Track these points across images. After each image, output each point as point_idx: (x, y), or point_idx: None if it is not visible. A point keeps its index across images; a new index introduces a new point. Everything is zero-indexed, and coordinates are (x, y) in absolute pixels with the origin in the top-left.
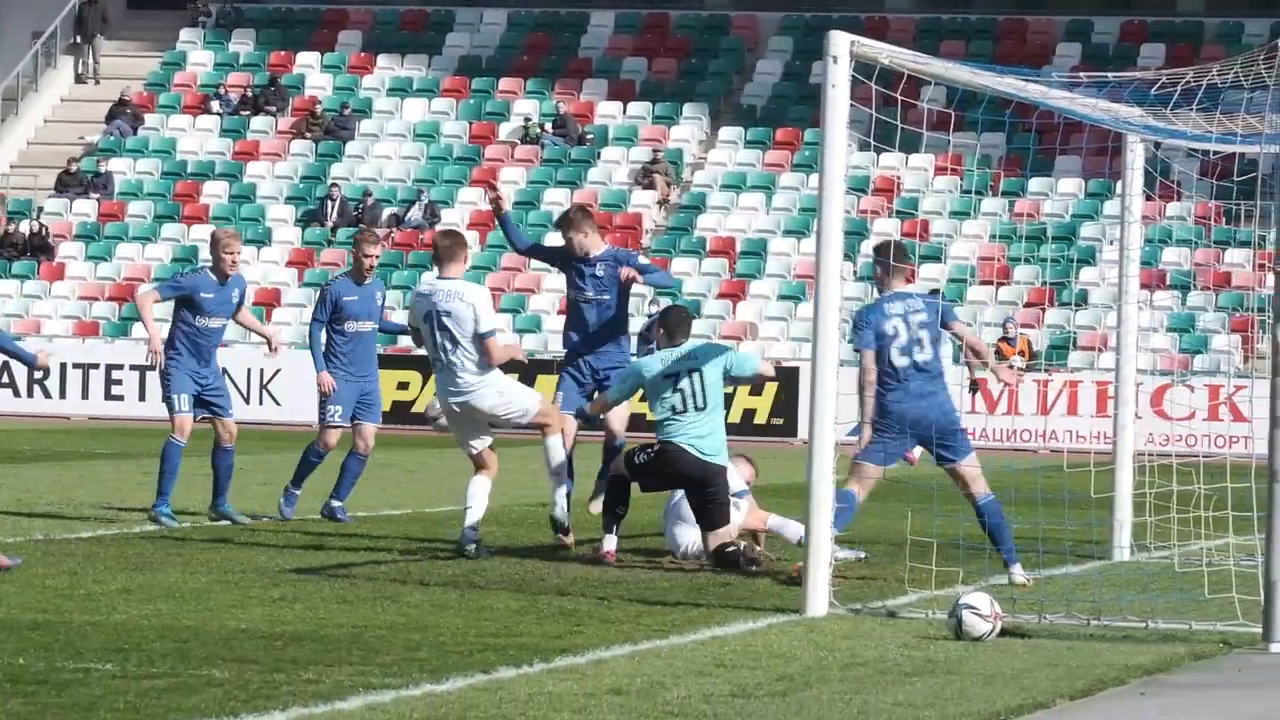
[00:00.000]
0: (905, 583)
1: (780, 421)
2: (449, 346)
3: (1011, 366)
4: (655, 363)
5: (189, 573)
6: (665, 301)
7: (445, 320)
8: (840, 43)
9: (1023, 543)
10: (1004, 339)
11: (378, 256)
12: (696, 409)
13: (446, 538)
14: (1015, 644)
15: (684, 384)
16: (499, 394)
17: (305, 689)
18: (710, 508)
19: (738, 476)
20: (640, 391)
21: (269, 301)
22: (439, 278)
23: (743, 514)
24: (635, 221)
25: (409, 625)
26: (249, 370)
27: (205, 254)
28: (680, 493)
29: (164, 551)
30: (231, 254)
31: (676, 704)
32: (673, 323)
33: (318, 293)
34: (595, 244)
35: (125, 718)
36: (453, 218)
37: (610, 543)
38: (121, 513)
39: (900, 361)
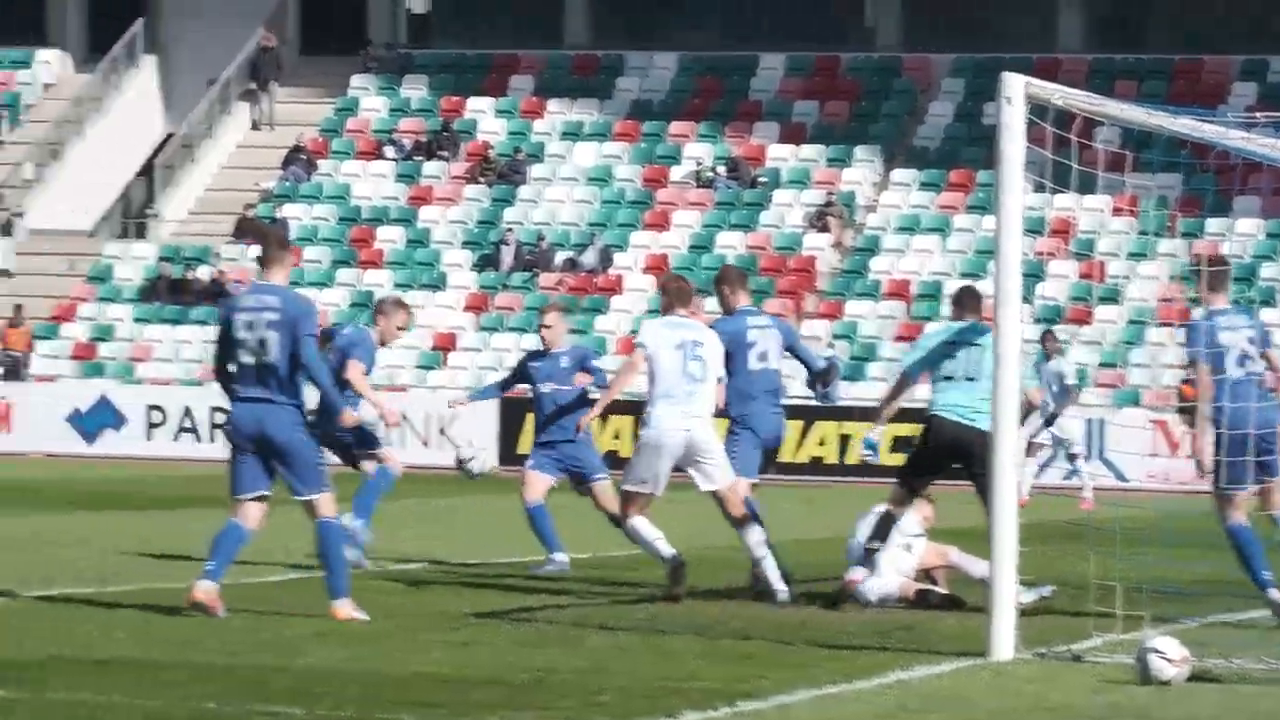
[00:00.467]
0: (1091, 627)
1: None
2: (696, 377)
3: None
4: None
5: (374, 617)
6: (840, 346)
7: (699, 351)
8: (1014, 84)
9: (1212, 586)
10: (1186, 381)
11: (548, 327)
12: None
13: (628, 581)
14: (1204, 689)
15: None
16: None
17: None
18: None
19: (914, 518)
20: None
21: (445, 346)
22: (679, 317)
23: (915, 556)
24: (809, 265)
25: (592, 669)
26: (427, 414)
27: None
28: (861, 537)
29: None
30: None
31: None
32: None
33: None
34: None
35: None
36: (626, 261)
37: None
38: (309, 557)
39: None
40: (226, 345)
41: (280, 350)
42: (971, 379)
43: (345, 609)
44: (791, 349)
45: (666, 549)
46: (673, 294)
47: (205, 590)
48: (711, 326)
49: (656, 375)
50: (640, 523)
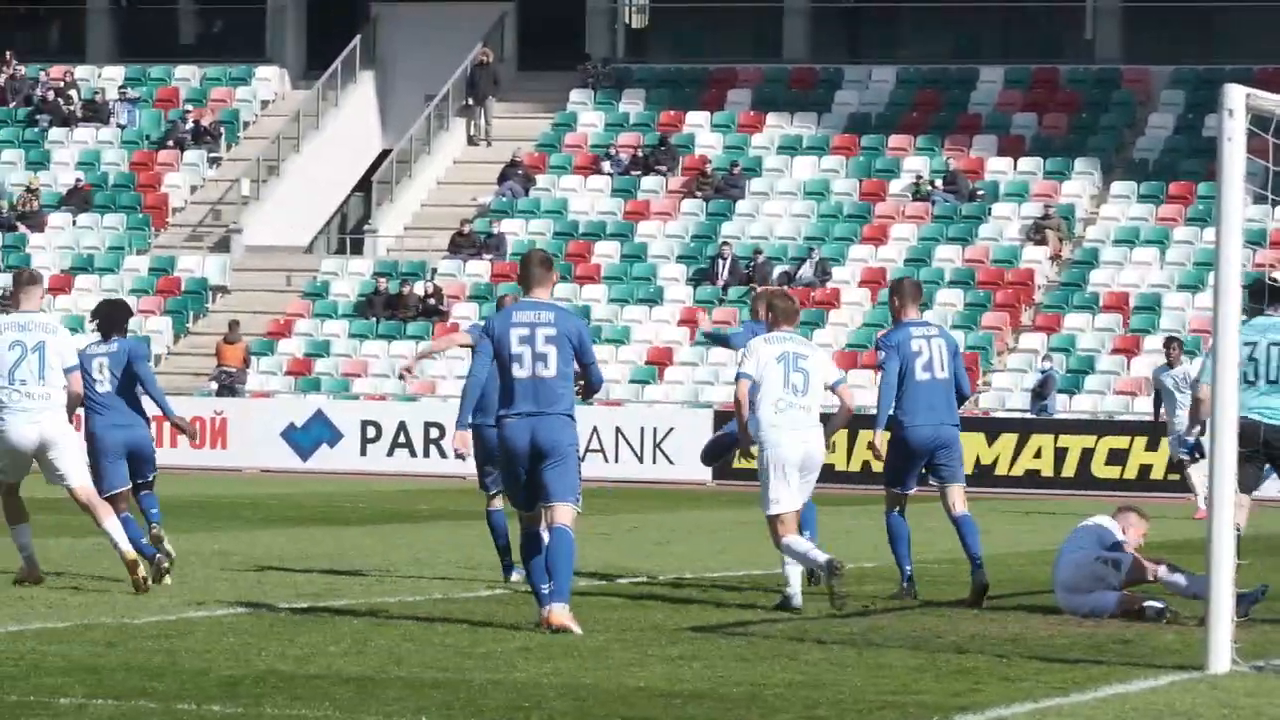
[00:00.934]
0: None
1: (1176, 477)
2: (799, 389)
3: None
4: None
5: (587, 631)
6: (1057, 358)
7: (803, 364)
8: (1235, 96)
9: None
10: None
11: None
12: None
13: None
14: None
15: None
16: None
17: None
18: None
19: (1117, 530)
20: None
21: (660, 361)
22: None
23: (1123, 572)
24: (1027, 278)
25: (807, 683)
26: (641, 429)
27: (600, 313)
28: (1067, 557)
29: None
30: None
31: None
32: None
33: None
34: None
35: None
36: (843, 275)
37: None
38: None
39: None
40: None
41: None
42: (1274, 381)
43: (562, 615)
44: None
45: (821, 556)
46: (779, 312)
47: (559, 612)
48: (880, 339)
49: (764, 393)
50: (792, 540)
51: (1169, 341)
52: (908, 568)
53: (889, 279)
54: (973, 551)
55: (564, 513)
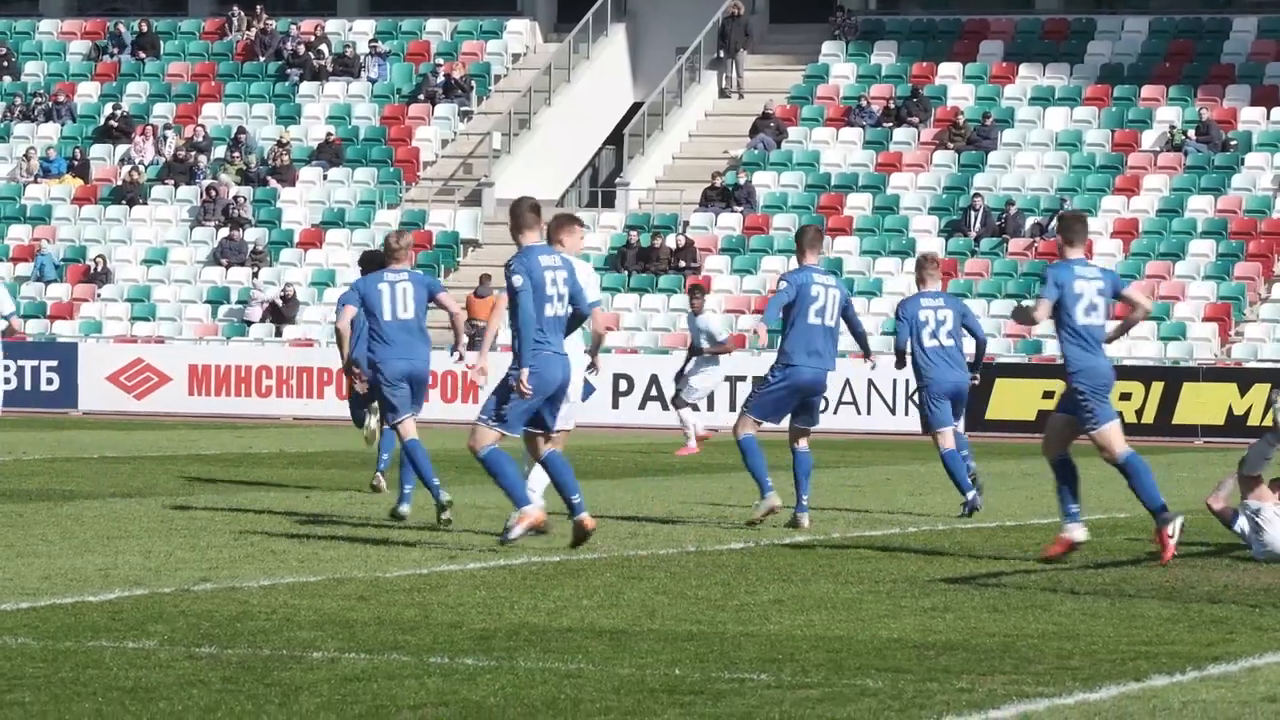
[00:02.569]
0: None
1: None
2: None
3: None
4: None
5: (840, 583)
6: None
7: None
8: None
9: None
10: None
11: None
12: None
13: (1096, 545)
14: None
15: None
16: None
17: (958, 698)
18: None
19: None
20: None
21: None
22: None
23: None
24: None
25: (1061, 634)
26: (894, 380)
27: (852, 266)
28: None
29: (814, 562)
30: None
31: None
32: None
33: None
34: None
35: None
36: (1096, 226)
37: None
38: (770, 527)
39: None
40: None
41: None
42: None
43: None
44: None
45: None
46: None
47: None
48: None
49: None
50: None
51: (692, 290)
52: (768, 482)
53: (1139, 231)
54: (805, 489)
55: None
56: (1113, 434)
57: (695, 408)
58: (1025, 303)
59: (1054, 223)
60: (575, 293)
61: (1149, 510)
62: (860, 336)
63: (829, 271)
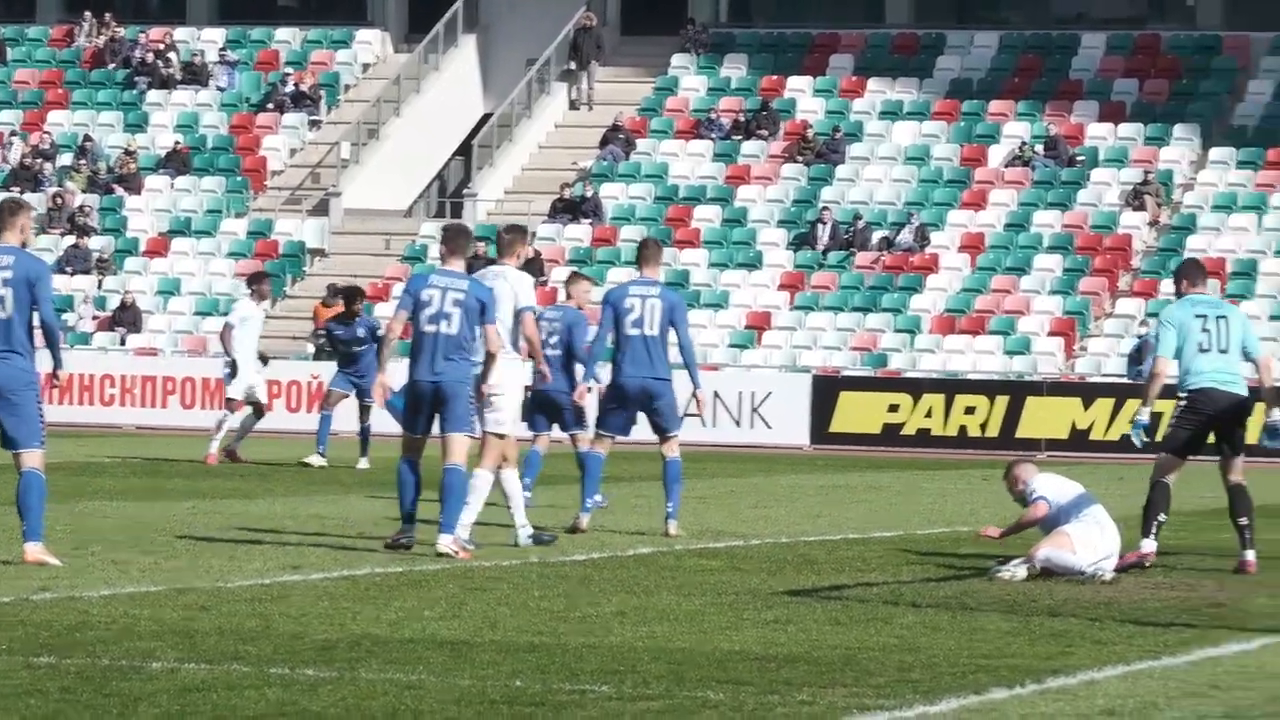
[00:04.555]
0: None
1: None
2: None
3: None
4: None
5: (682, 595)
6: (1154, 324)
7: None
8: None
9: None
10: None
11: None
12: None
13: (938, 559)
14: None
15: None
16: None
17: (799, 711)
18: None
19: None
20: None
21: (759, 325)
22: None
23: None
24: (1125, 243)
25: (902, 646)
26: (740, 393)
27: (699, 278)
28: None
29: (657, 574)
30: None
31: None
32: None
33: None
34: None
35: None
36: (942, 240)
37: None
38: (616, 535)
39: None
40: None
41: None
42: (1223, 350)
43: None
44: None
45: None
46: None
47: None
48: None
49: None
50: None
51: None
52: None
53: (985, 245)
54: (671, 497)
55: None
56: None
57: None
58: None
59: (903, 235)
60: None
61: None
62: (684, 350)
63: (654, 283)
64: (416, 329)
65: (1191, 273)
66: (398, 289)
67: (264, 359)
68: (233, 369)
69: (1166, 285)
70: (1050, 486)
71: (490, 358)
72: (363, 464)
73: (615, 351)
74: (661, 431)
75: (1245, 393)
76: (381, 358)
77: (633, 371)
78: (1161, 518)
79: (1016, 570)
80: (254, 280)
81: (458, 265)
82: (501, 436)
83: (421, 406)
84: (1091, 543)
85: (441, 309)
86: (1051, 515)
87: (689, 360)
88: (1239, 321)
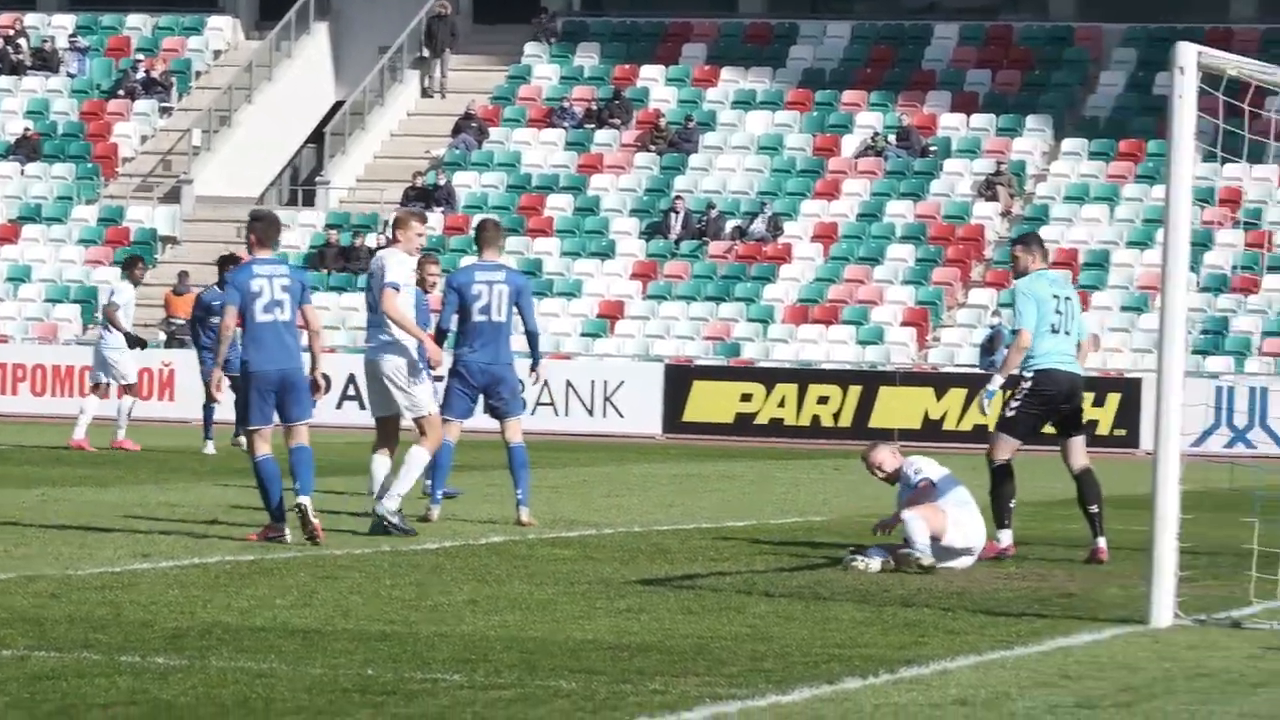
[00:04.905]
0: (1251, 594)
1: (1123, 432)
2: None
3: None
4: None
5: (535, 584)
6: (1006, 314)
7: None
8: (1187, 54)
9: None
10: None
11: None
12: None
13: (791, 548)
14: None
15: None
16: None
17: (652, 700)
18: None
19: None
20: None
21: (612, 315)
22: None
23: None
24: (977, 234)
25: (754, 636)
26: (593, 382)
27: (552, 267)
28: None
29: (509, 563)
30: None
31: (1022, 715)
32: None
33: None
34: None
35: None
36: (795, 230)
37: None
38: (468, 524)
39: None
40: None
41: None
42: (1068, 332)
43: None
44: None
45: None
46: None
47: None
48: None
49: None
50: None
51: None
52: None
53: (839, 235)
54: (519, 483)
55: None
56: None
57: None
58: None
59: (756, 224)
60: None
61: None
62: (530, 335)
63: (499, 266)
64: (251, 319)
65: (1036, 247)
66: None
67: (139, 342)
68: (132, 342)
69: None
70: (930, 469)
71: (315, 337)
72: (209, 448)
73: (459, 335)
74: (503, 416)
75: (1082, 373)
76: (220, 352)
77: (479, 356)
78: (1013, 504)
79: (870, 561)
80: (129, 264)
81: (269, 253)
82: (425, 416)
83: (268, 396)
84: (965, 529)
85: (274, 297)
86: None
87: (534, 343)
88: (1078, 302)
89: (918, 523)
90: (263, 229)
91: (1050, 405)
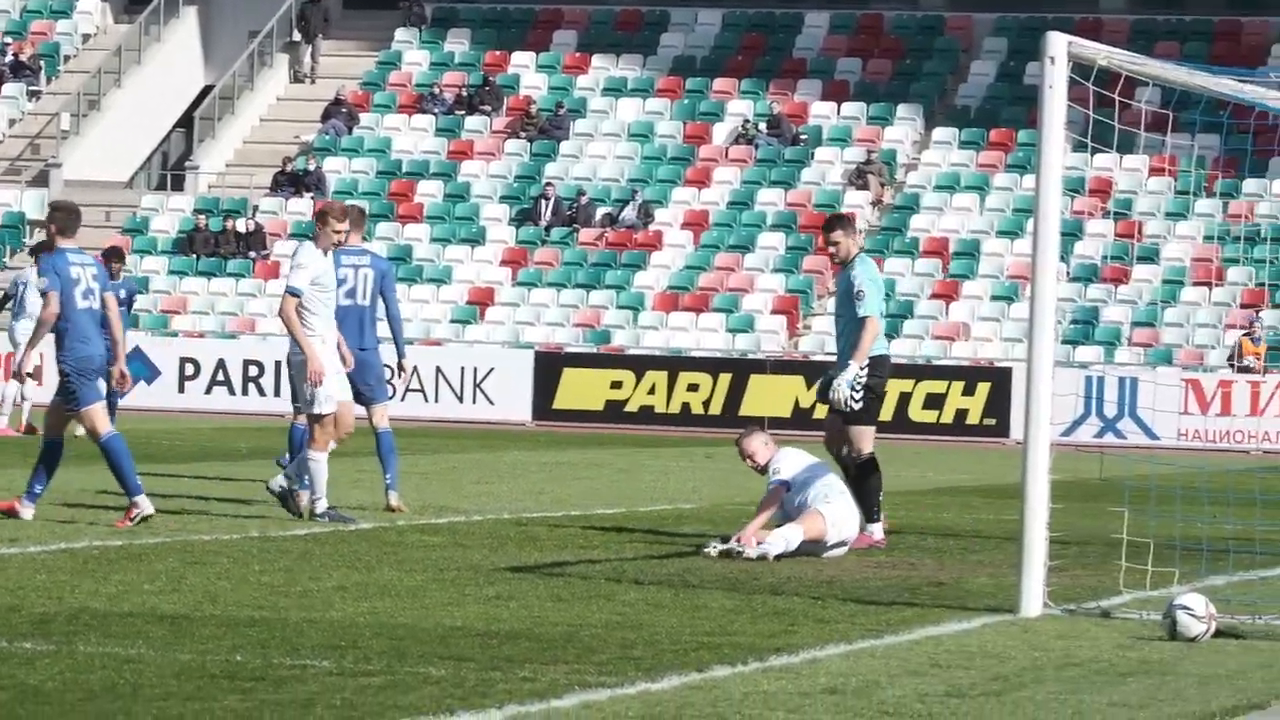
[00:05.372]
0: (1120, 583)
1: (993, 422)
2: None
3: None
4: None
5: (404, 571)
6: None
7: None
8: (1058, 44)
9: (1239, 543)
10: (1247, 335)
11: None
12: None
13: (661, 536)
14: (1230, 645)
15: None
16: None
17: (521, 687)
18: None
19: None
20: None
21: (482, 301)
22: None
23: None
24: None
25: (624, 624)
26: (462, 369)
27: (422, 253)
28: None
29: (379, 550)
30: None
31: (892, 704)
32: None
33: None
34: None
35: (342, 715)
36: (666, 217)
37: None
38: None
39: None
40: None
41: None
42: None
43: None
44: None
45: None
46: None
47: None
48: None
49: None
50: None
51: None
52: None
53: (710, 222)
54: (388, 469)
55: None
56: None
57: None
58: None
59: (627, 212)
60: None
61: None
62: (394, 321)
63: (363, 251)
64: (71, 307)
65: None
66: None
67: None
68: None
69: (890, 264)
70: (791, 464)
71: (115, 327)
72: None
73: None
74: (369, 402)
75: None
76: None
77: (347, 342)
78: (881, 496)
79: (747, 550)
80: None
81: (72, 243)
82: (320, 416)
83: (93, 377)
84: (840, 522)
85: (88, 286)
86: (792, 496)
87: (397, 330)
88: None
89: (793, 530)
90: (64, 219)
91: (882, 391)
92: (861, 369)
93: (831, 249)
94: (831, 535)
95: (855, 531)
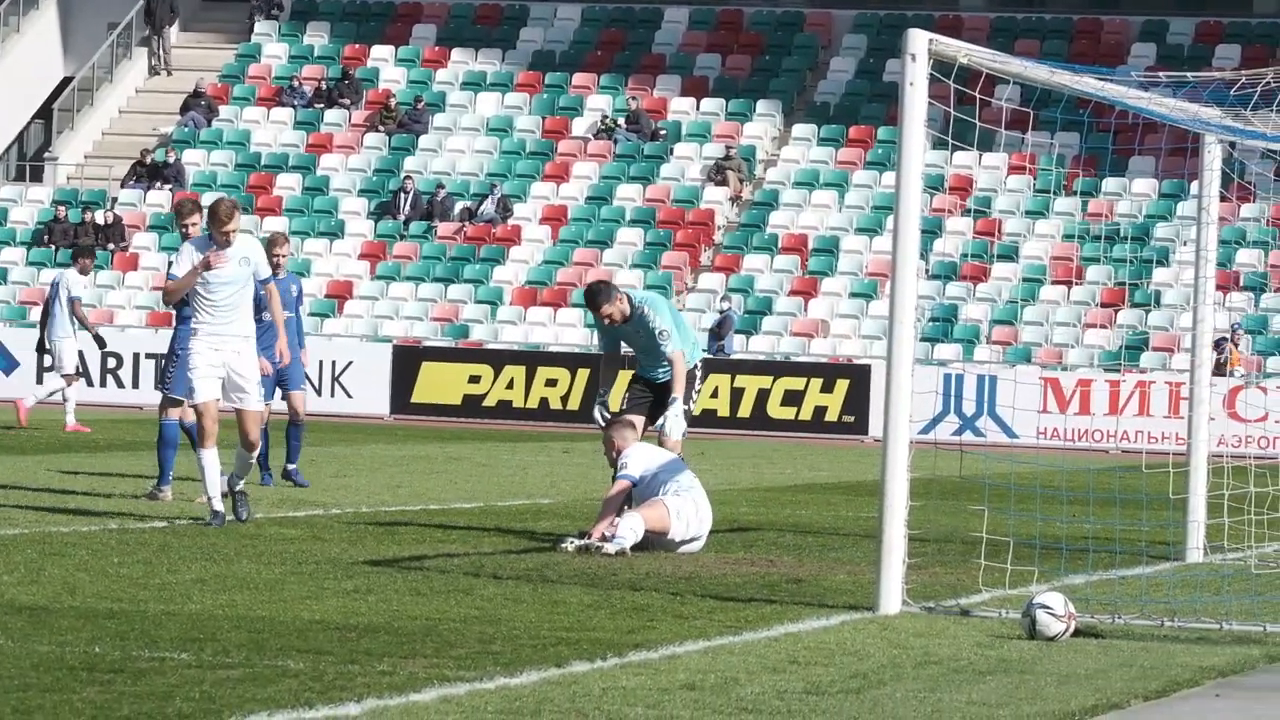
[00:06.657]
0: (979, 581)
1: (851, 419)
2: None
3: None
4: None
5: (263, 564)
6: (736, 299)
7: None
8: (918, 41)
9: (1099, 542)
10: (1232, 343)
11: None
12: None
13: (519, 531)
14: (1089, 644)
15: None
16: None
17: (380, 681)
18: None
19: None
20: None
21: (341, 294)
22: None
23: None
24: (707, 218)
25: (483, 618)
26: (321, 362)
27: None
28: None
29: (237, 543)
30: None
31: (750, 700)
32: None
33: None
34: None
35: (201, 707)
36: (525, 212)
37: None
38: (194, 503)
39: None
40: None
41: None
42: None
43: None
44: None
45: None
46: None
47: None
48: None
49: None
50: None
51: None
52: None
53: (568, 217)
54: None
55: None
56: None
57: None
58: None
59: (485, 206)
60: None
61: None
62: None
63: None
64: None
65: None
66: None
67: (99, 340)
68: (99, 341)
69: (749, 261)
70: (641, 460)
71: None
72: None
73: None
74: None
75: None
76: None
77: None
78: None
79: (593, 543)
80: (80, 254)
81: None
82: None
83: None
84: (686, 518)
85: None
86: (640, 492)
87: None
88: None
89: (634, 519)
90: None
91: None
92: (686, 402)
93: (607, 321)
94: (676, 529)
95: (707, 528)
